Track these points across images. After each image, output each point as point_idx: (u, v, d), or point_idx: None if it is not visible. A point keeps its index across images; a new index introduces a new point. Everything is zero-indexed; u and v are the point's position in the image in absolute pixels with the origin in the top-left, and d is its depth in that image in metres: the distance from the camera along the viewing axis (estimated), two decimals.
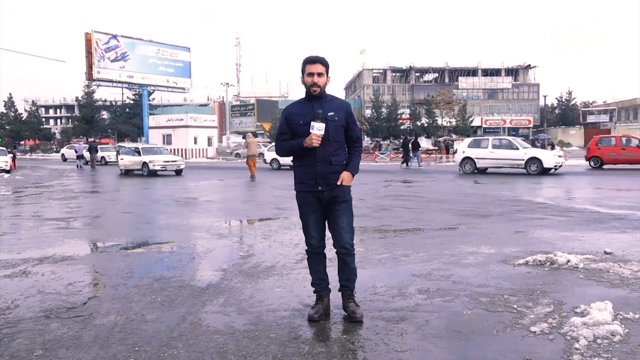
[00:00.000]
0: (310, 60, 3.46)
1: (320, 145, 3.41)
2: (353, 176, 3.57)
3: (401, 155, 29.04)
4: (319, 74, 3.44)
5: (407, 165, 26.50)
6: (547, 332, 3.22)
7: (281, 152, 3.65)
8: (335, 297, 3.68)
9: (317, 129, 3.37)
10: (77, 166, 29.38)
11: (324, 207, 3.54)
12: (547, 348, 3.00)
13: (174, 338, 3.22)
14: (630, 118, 66.77)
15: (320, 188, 3.47)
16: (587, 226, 7.29)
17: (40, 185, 17.54)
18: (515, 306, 3.73)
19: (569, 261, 4.91)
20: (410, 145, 26.63)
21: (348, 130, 3.58)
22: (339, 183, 3.49)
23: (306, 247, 3.67)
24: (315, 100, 3.49)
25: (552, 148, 40.76)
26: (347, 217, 3.55)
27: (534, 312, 3.59)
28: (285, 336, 3.25)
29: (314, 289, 3.65)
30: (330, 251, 3.68)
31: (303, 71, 3.49)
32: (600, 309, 3.44)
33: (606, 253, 5.41)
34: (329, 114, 3.45)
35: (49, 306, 3.92)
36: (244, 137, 59.36)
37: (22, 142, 67.15)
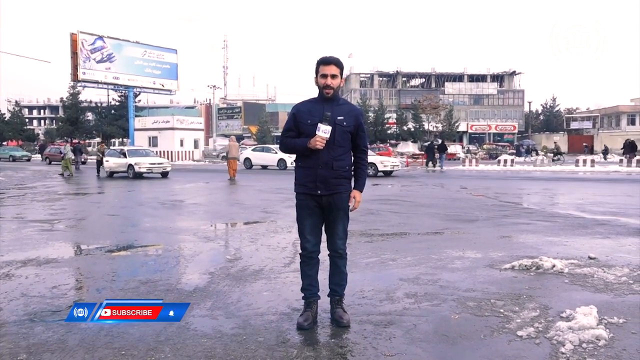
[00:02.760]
0: (324, 62, 3.39)
1: (324, 148, 3.34)
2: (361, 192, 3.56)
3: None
4: (333, 76, 3.37)
5: (434, 167, 28.77)
6: (533, 337, 3.25)
7: (284, 149, 3.58)
8: (323, 301, 3.67)
9: (323, 131, 3.30)
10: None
11: (322, 210, 3.49)
12: (533, 352, 3.03)
13: (161, 342, 3.19)
14: (613, 125, 67.80)
15: (319, 192, 3.41)
16: (571, 231, 7.38)
17: (23, 186, 17.30)
18: (502, 310, 3.76)
19: (554, 266, 4.96)
20: (436, 149, 29.39)
21: (356, 138, 3.51)
22: (353, 207, 3.51)
23: (300, 251, 3.59)
24: (327, 102, 3.42)
25: (537, 154, 41.89)
26: (342, 224, 3.53)
27: (520, 317, 3.62)
28: (274, 340, 3.24)
29: (303, 294, 3.59)
30: (322, 254, 3.66)
31: (317, 72, 3.41)
32: (586, 314, 3.48)
33: (590, 258, 5.47)
34: (338, 117, 3.39)
35: (33, 309, 3.86)
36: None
37: (4, 143, 66.17)
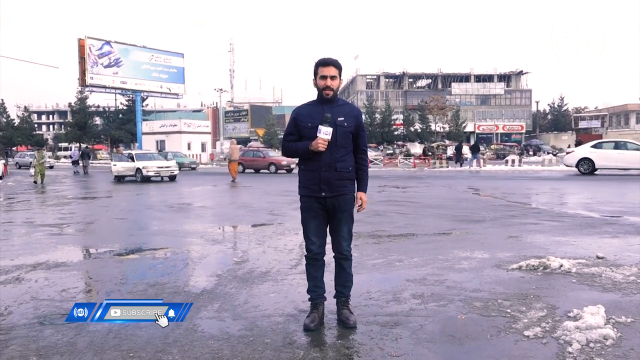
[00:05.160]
0: (323, 63, 3.39)
1: (326, 150, 3.34)
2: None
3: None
4: (332, 77, 3.37)
5: (460, 165, 31.57)
6: (540, 336, 3.25)
7: (287, 153, 3.59)
8: (329, 302, 3.67)
9: (325, 133, 3.30)
10: (74, 172, 30.09)
11: (326, 212, 3.49)
12: (540, 352, 3.03)
13: (168, 344, 3.22)
14: (622, 123, 67.34)
15: (323, 194, 3.41)
16: (579, 231, 7.34)
17: (32, 191, 17.44)
18: (509, 311, 3.76)
19: (561, 266, 4.94)
20: (470, 148, 32.01)
21: (357, 138, 3.52)
22: (359, 209, 3.51)
23: (305, 253, 3.60)
24: (327, 103, 3.43)
25: (537, 152, 43.14)
26: (347, 225, 3.54)
27: (527, 317, 3.61)
28: (280, 341, 3.26)
29: (309, 296, 3.59)
30: (327, 255, 3.67)
31: (315, 73, 3.42)
32: (593, 313, 3.47)
33: (598, 258, 5.44)
34: (339, 119, 3.39)
35: (42, 312, 3.91)
36: (237, 143, 59.39)
37: (14, 148, 66.73)
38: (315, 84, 3.45)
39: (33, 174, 22.09)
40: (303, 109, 3.55)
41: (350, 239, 3.59)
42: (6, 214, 10.94)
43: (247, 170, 28.97)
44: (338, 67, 3.42)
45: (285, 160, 28.16)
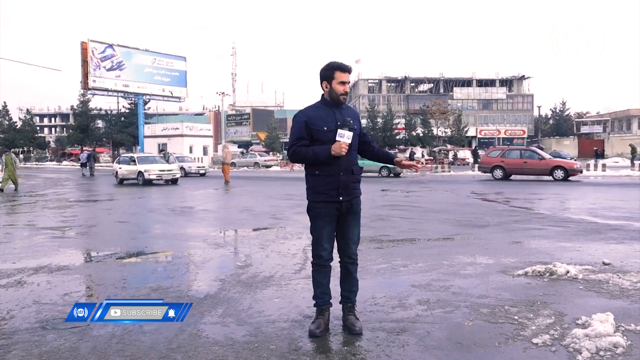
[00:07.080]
0: (342, 69, 3.40)
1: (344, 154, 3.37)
2: None
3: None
4: (348, 83, 3.46)
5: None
6: (549, 344, 3.20)
7: (298, 158, 3.44)
8: (335, 308, 3.63)
9: (347, 137, 3.32)
10: (82, 174, 30.79)
11: (338, 217, 3.46)
12: None
13: (172, 350, 3.18)
14: (624, 129, 67.27)
15: (341, 198, 3.39)
16: (584, 237, 7.29)
17: (34, 194, 17.43)
18: (516, 317, 3.71)
19: (568, 272, 4.89)
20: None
21: (362, 136, 3.63)
22: (416, 170, 3.79)
23: (313, 259, 3.51)
24: (336, 107, 3.44)
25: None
26: (358, 228, 3.55)
27: (535, 324, 3.57)
28: (286, 348, 3.21)
29: (315, 302, 3.53)
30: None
31: (331, 77, 3.38)
32: (602, 321, 3.42)
33: (605, 264, 5.40)
34: (351, 122, 3.44)
35: (45, 317, 3.87)
36: (239, 147, 59.34)
37: (13, 150, 66.87)
38: (326, 88, 3.42)
39: (1, 180, 19.01)
40: (312, 112, 3.45)
41: (358, 242, 3.58)
42: (8, 217, 10.93)
43: (515, 177, 22.21)
44: (351, 72, 3.52)
45: (577, 164, 21.87)
